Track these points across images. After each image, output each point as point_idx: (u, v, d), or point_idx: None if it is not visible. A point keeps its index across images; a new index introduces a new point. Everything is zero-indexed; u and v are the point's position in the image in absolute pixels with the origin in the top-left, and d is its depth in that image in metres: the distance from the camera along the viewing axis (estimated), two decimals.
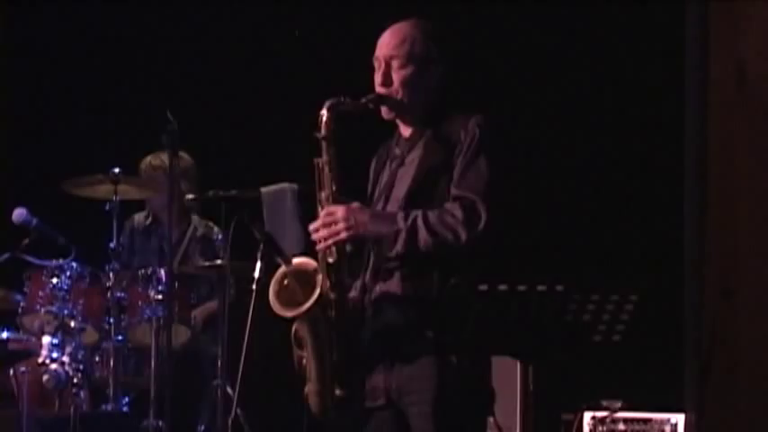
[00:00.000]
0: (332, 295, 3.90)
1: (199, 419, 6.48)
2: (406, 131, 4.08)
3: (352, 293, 4.02)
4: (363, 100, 3.99)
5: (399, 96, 4.00)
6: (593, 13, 6.68)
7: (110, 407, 6.19)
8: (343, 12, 7.10)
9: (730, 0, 6.13)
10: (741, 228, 5.99)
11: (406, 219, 3.86)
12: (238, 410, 5.67)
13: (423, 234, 3.83)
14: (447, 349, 3.84)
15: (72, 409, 5.96)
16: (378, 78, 4.02)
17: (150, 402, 5.97)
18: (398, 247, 3.86)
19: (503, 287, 3.67)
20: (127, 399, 6.31)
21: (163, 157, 6.49)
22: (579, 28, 6.74)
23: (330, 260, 3.90)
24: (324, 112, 3.95)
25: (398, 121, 4.09)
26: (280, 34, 7.38)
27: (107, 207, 6.33)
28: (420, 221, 3.84)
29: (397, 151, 4.08)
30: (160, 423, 5.90)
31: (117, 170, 6.28)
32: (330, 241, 3.89)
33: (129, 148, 6.83)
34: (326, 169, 3.95)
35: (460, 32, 4.62)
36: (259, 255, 4.33)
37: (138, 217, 6.94)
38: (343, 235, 3.87)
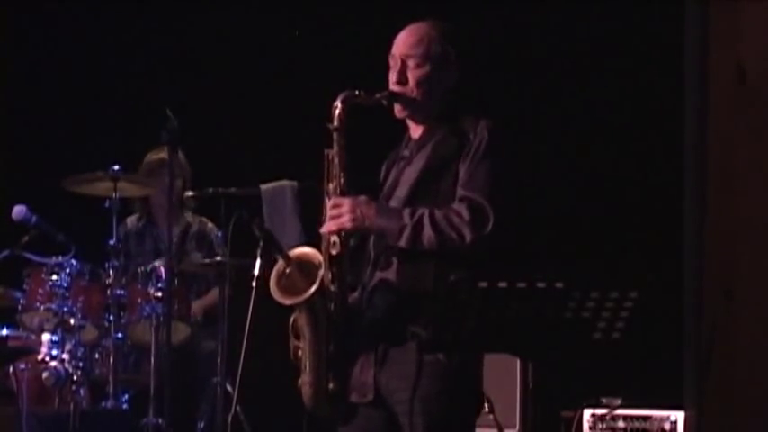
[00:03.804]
0: (333, 288, 3.91)
1: (198, 417, 6.49)
2: (416, 132, 4.08)
3: (355, 294, 4.02)
4: (378, 96, 4.00)
5: (414, 95, 4.01)
6: (593, 14, 6.68)
7: (109, 404, 6.18)
8: (344, 10, 7.11)
9: (730, 0, 6.13)
10: (741, 227, 5.99)
11: (412, 215, 3.86)
12: (238, 408, 5.67)
13: (428, 232, 3.84)
14: (438, 348, 3.84)
15: (71, 407, 5.96)
16: (393, 76, 4.02)
17: (150, 400, 5.97)
18: (402, 242, 3.86)
19: (502, 284, 3.66)
20: (126, 396, 6.31)
21: (164, 155, 6.50)
22: (579, 28, 6.74)
23: (333, 252, 3.91)
24: (338, 103, 3.96)
25: (409, 122, 4.09)
26: (280, 32, 7.39)
27: (106, 204, 6.33)
28: (426, 219, 3.84)
29: (406, 152, 4.09)
30: (160, 420, 5.90)
31: (116, 167, 6.28)
32: (334, 230, 3.89)
33: (128, 146, 6.83)
34: (336, 161, 3.96)
35: (467, 35, 4.62)
36: (259, 252, 4.34)
37: (131, 220, 6.94)
38: (348, 226, 3.88)
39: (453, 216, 3.84)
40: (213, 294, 6.69)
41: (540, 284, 3.65)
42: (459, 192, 3.90)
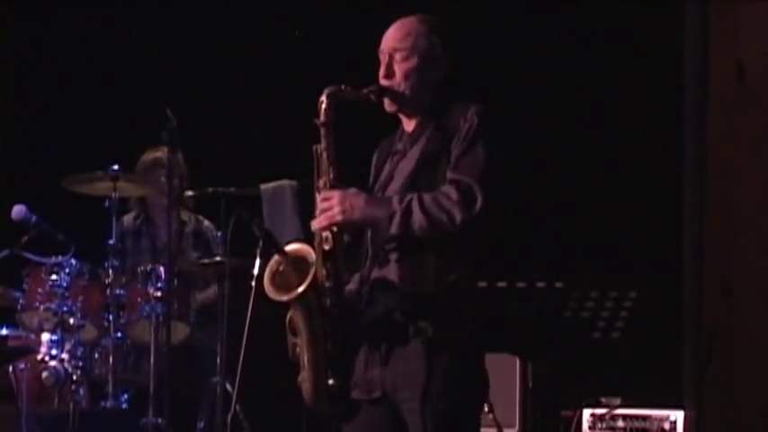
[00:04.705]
0: (327, 284, 3.90)
1: (198, 416, 6.49)
2: (408, 126, 4.09)
3: (351, 286, 4.02)
4: (365, 90, 4.01)
5: (401, 89, 4.01)
6: (593, 13, 6.68)
7: (109, 404, 6.17)
8: (343, 9, 7.11)
9: (730, 0, 6.13)
10: (740, 226, 6.00)
11: (401, 201, 3.87)
12: (237, 407, 5.68)
13: (417, 215, 3.84)
14: (442, 346, 3.84)
15: (71, 406, 5.96)
16: (381, 71, 4.03)
17: (149, 399, 5.96)
18: (393, 228, 3.86)
19: (502, 284, 3.66)
20: (126, 396, 6.31)
21: (159, 154, 6.50)
22: (579, 27, 6.74)
23: (326, 247, 3.90)
24: (323, 98, 3.97)
25: (401, 116, 4.10)
26: (279, 31, 7.39)
27: (106, 204, 6.33)
28: (415, 203, 3.84)
29: (400, 146, 4.09)
30: (159, 420, 5.90)
31: (116, 167, 6.28)
32: (325, 224, 3.89)
33: (128, 146, 6.83)
34: (324, 156, 3.97)
35: (464, 28, 4.62)
36: (258, 252, 4.34)
37: (127, 218, 6.93)
38: (339, 218, 3.87)
39: (442, 198, 3.84)
40: (213, 290, 6.69)
41: (540, 284, 3.66)
42: (449, 174, 3.90)
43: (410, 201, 3.86)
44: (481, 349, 3.95)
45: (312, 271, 3.84)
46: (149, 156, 6.76)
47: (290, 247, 3.93)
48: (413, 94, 4.02)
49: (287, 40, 7.37)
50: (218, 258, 6.35)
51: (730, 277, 5.97)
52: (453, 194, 3.83)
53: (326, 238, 3.90)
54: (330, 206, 3.89)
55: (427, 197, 3.85)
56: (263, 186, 6.45)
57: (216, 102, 7.38)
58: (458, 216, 3.82)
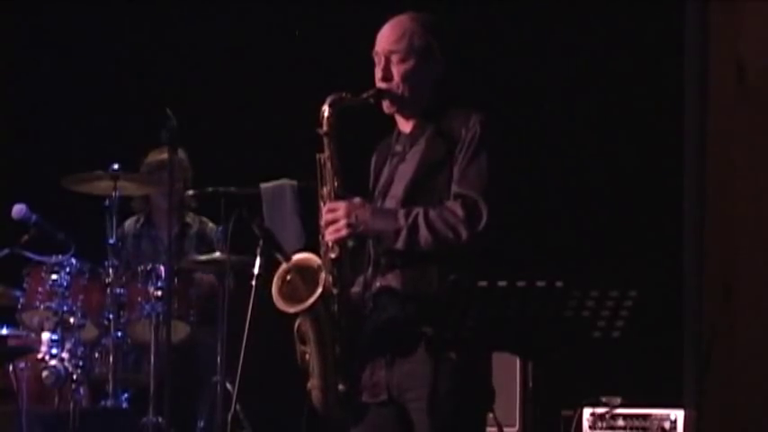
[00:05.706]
0: (334, 291, 3.91)
1: (198, 415, 6.49)
2: (406, 127, 4.09)
3: (355, 289, 4.03)
4: (364, 95, 4.00)
5: (400, 91, 4.01)
6: (593, 13, 6.68)
7: (109, 403, 6.18)
8: (341, 7, 7.11)
9: (730, 0, 6.14)
10: (740, 225, 6.00)
11: (407, 216, 3.87)
12: (238, 406, 5.67)
13: (423, 232, 3.85)
14: (446, 346, 3.85)
15: (71, 406, 5.97)
16: (378, 73, 4.03)
17: (150, 398, 5.97)
18: (399, 244, 3.88)
19: (502, 283, 3.66)
20: (126, 395, 6.30)
21: (165, 156, 6.49)
22: (579, 27, 6.74)
23: (332, 255, 3.92)
24: (325, 107, 3.97)
25: (398, 117, 4.10)
26: (279, 30, 7.39)
27: (106, 203, 6.33)
28: (421, 219, 3.86)
29: (398, 148, 4.09)
30: (159, 419, 5.91)
31: (116, 166, 6.28)
32: (332, 237, 3.90)
33: (128, 145, 6.83)
34: (328, 165, 3.97)
35: (460, 26, 4.61)
36: (258, 251, 4.34)
37: (129, 223, 6.94)
38: (344, 232, 3.89)
39: (448, 215, 3.85)
40: (211, 277, 6.64)
41: (540, 284, 3.65)
42: (454, 188, 3.91)
43: (416, 216, 3.87)
44: (481, 349, 3.95)
45: (321, 282, 3.85)
46: (155, 157, 6.75)
47: (295, 257, 3.94)
48: (412, 95, 4.02)
49: (286, 39, 7.37)
50: (217, 254, 6.34)
51: (731, 277, 5.97)
52: (459, 212, 3.85)
53: (332, 247, 3.91)
54: (336, 218, 3.89)
55: (433, 213, 3.86)
56: (263, 186, 6.45)
57: (216, 102, 7.38)
58: (463, 233, 3.84)
